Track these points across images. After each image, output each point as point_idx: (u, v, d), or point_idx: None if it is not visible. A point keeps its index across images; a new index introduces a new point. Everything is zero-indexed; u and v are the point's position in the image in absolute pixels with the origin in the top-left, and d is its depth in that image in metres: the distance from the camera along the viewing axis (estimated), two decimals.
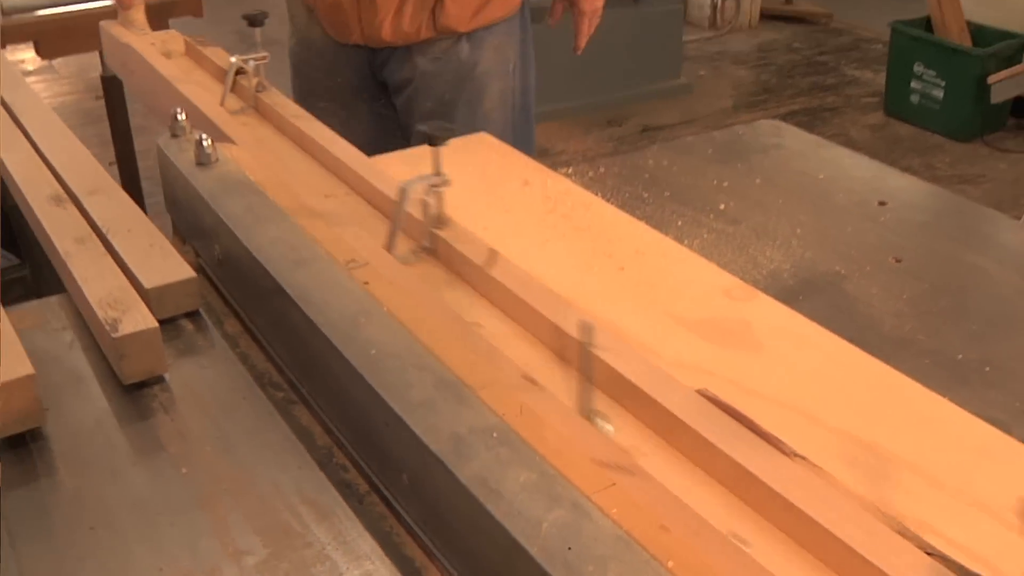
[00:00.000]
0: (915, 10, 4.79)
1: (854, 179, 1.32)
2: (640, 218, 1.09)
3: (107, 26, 1.74)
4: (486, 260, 0.98)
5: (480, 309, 0.95)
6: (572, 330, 0.85)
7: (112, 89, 2.50)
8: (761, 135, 1.41)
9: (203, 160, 1.08)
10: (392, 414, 0.72)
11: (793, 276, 1.13)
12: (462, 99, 1.97)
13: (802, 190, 1.28)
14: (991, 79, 4.30)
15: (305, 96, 2.05)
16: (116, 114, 2.53)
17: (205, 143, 1.08)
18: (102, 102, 2.61)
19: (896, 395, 0.86)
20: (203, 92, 1.42)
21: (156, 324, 0.90)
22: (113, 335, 0.89)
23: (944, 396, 0.85)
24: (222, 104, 1.41)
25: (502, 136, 1.99)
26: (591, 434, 0.71)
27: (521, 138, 2.01)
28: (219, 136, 1.26)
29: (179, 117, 1.15)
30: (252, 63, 1.41)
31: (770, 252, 1.16)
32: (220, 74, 1.49)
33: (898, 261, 1.16)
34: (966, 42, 4.60)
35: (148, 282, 0.98)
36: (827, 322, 0.94)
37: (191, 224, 1.11)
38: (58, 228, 1.09)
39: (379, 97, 2.04)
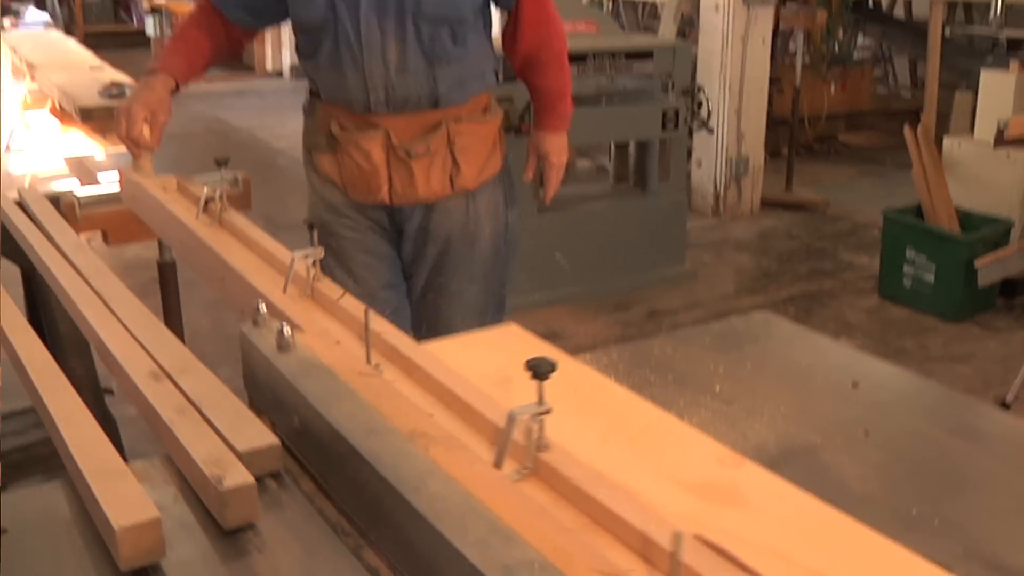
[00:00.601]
0: (907, 195, 5.08)
1: (832, 364, 1.52)
2: (647, 398, 1.29)
3: (124, 170, 2.39)
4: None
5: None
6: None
7: (166, 275, 2.74)
8: (753, 326, 1.63)
9: (283, 346, 1.29)
10: (454, 550, 0.91)
11: (776, 447, 1.32)
12: (464, 239, 2.51)
13: (786, 374, 1.49)
14: (978, 263, 4.52)
15: (331, 251, 2.50)
16: (169, 297, 2.76)
17: (285, 332, 1.30)
18: (136, 281, 2.84)
19: (859, 542, 1.05)
20: (185, 211, 2.03)
21: (253, 480, 1.11)
22: (219, 488, 1.09)
23: (898, 543, 1.03)
24: (197, 218, 1.99)
25: (486, 264, 2.56)
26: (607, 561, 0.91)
27: (505, 265, 2.62)
28: (193, 239, 1.90)
29: (261, 309, 1.38)
30: (218, 192, 1.99)
31: (757, 427, 1.35)
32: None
33: (866, 434, 1.36)
34: (954, 228, 4.85)
35: (240, 446, 1.18)
36: (804, 484, 1.13)
37: (270, 399, 1.32)
38: (160, 400, 1.30)
39: (391, 239, 2.54)
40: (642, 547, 0.99)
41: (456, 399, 1.27)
